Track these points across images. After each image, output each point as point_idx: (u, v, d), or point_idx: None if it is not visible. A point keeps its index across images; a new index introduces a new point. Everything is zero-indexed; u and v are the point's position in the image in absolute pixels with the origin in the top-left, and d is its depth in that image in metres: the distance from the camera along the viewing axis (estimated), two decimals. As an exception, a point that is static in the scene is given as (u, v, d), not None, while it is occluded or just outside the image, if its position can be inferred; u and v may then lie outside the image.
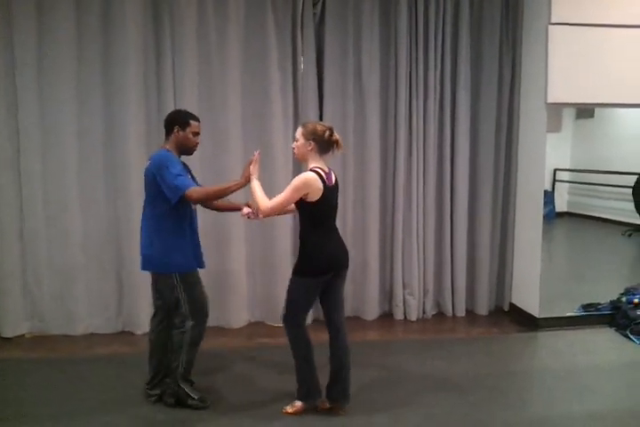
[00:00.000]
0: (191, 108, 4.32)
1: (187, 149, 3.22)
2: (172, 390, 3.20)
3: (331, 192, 3.02)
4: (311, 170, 2.98)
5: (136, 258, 4.35)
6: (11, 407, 3.22)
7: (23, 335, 4.42)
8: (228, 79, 4.45)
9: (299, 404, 3.16)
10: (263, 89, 4.51)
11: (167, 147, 3.18)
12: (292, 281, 3.08)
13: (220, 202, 3.37)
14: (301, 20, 4.51)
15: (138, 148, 4.35)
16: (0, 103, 4.22)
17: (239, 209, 3.35)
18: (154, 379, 3.28)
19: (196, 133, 3.21)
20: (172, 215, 3.10)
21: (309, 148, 3.00)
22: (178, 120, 3.19)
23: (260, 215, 3.08)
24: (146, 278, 4.42)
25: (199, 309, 3.20)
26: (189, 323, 3.15)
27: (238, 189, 3.09)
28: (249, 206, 3.29)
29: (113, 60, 4.31)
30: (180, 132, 3.17)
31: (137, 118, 4.35)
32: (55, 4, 4.21)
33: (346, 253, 3.19)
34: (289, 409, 3.15)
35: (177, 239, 3.12)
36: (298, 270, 3.05)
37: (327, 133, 3.01)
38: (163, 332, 3.26)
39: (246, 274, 4.65)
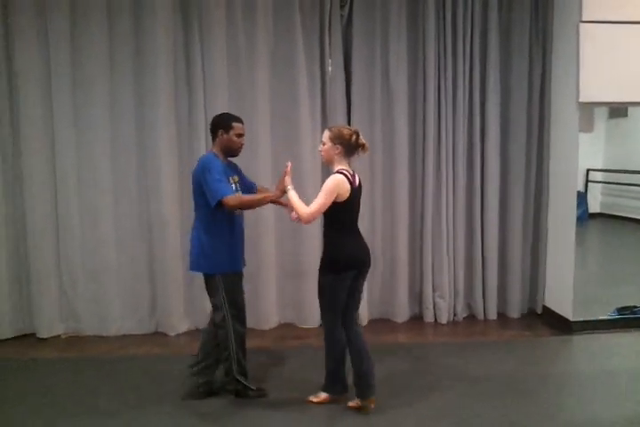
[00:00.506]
0: (220, 110, 4.38)
1: (232, 150, 3.32)
2: (231, 386, 3.33)
3: (356, 193, 3.12)
4: (338, 172, 3.07)
5: (169, 259, 4.48)
6: (47, 406, 3.29)
7: (58, 336, 4.52)
8: (257, 82, 4.49)
9: (324, 395, 3.28)
10: (291, 92, 4.54)
11: (214, 150, 3.31)
12: (319, 281, 3.16)
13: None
14: (329, 23, 4.52)
15: (169, 150, 4.43)
16: (36, 108, 4.33)
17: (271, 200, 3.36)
18: (199, 364, 3.38)
19: (240, 135, 3.31)
20: (212, 217, 3.21)
21: (336, 151, 3.09)
22: (221, 123, 3.28)
23: (303, 222, 3.13)
24: (179, 280, 4.53)
25: (237, 309, 3.29)
26: (230, 322, 3.24)
27: (272, 201, 3.25)
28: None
29: (144, 64, 4.39)
30: (224, 135, 3.27)
31: (168, 121, 4.42)
32: (88, 11, 4.32)
33: (368, 252, 3.27)
34: (313, 399, 3.28)
35: (216, 241, 3.22)
36: (323, 269, 3.14)
37: (354, 137, 3.10)
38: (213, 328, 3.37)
39: (276, 276, 4.68)
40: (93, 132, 4.42)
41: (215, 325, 3.30)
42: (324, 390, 3.29)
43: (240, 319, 3.31)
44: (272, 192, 3.25)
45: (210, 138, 4.24)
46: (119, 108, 4.44)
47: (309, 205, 3.02)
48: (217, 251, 3.22)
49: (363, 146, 3.13)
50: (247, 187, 3.47)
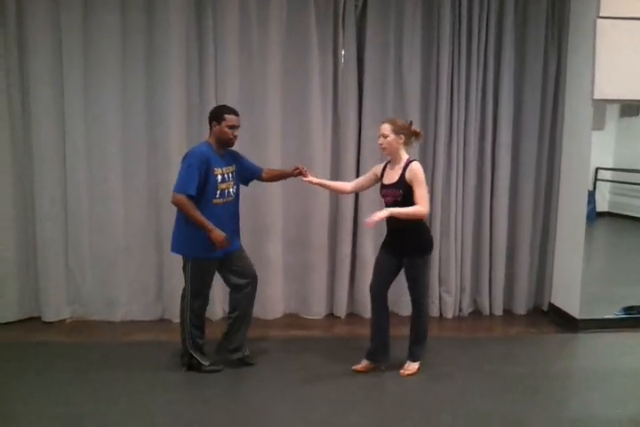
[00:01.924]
0: (232, 102, 4.37)
1: (225, 141, 3.43)
2: (185, 359, 3.53)
3: None
4: (411, 160, 3.33)
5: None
6: (50, 390, 3.31)
7: (64, 320, 4.54)
8: (269, 74, 4.47)
9: (365, 362, 3.57)
10: (303, 85, 4.51)
11: (209, 140, 3.44)
12: (419, 264, 3.42)
13: (270, 174, 3.75)
14: (343, 16, 4.49)
15: (179, 139, 4.42)
16: (47, 94, 4.33)
17: (289, 176, 3.74)
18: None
19: (232, 126, 3.40)
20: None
21: (400, 141, 3.35)
22: (214, 115, 3.45)
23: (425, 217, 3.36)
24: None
25: (200, 291, 3.50)
26: (188, 299, 3.47)
27: (206, 231, 3.29)
28: (299, 170, 3.66)
29: (156, 54, 4.37)
30: (217, 127, 3.41)
31: (179, 111, 4.41)
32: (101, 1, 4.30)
33: None
34: (358, 367, 3.55)
35: (191, 227, 3.34)
36: (423, 251, 3.42)
37: (412, 127, 3.40)
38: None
39: (282, 266, 4.68)
40: (104, 122, 4.42)
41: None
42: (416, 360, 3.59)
43: (201, 298, 3.49)
44: (208, 225, 3.28)
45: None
46: (130, 97, 4.43)
47: (419, 203, 3.23)
48: (191, 237, 3.36)
49: (418, 134, 3.42)
50: (250, 173, 3.67)
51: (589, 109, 4.37)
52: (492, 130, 4.71)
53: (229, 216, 3.50)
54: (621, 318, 4.59)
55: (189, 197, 3.27)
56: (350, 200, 4.60)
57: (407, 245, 3.40)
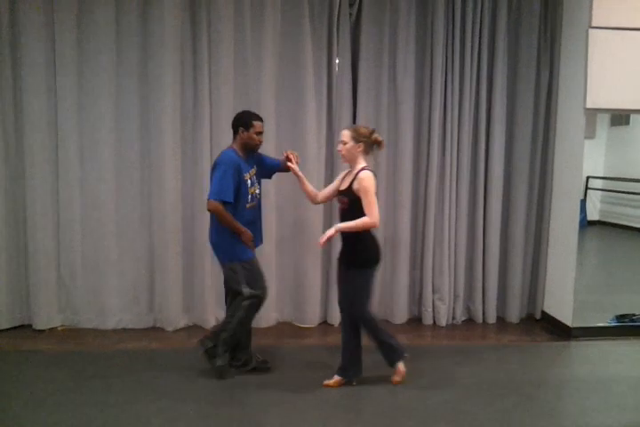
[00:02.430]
0: (225, 105, 4.41)
1: (251, 146, 3.52)
2: (209, 343, 3.54)
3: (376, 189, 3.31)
4: (364, 169, 3.26)
5: (169, 254, 4.47)
6: (41, 398, 3.26)
7: (55, 328, 4.50)
8: (264, 81, 4.48)
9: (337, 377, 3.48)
10: (298, 90, 4.53)
11: (234, 146, 3.50)
12: (355, 275, 3.31)
13: (284, 164, 3.69)
14: (337, 21, 4.51)
15: (173, 142, 4.42)
16: (40, 96, 4.31)
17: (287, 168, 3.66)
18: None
19: (260, 133, 3.50)
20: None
21: (359, 149, 3.29)
22: (241, 121, 3.48)
23: (376, 226, 3.27)
24: (178, 276, 4.51)
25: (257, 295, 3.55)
26: (248, 304, 3.50)
27: (239, 234, 3.42)
28: (288, 156, 3.62)
29: (150, 59, 4.38)
30: (245, 133, 3.47)
31: (172, 118, 4.40)
32: (95, 1, 4.29)
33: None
34: (330, 382, 3.47)
35: (232, 235, 3.43)
36: (361, 263, 3.31)
37: (373, 135, 3.33)
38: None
39: (276, 274, 4.66)
40: (98, 124, 4.40)
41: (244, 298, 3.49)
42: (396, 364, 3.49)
43: (257, 305, 3.54)
44: (245, 232, 3.42)
45: (214, 131, 4.32)
46: (124, 103, 4.43)
47: (367, 214, 3.17)
48: (236, 241, 3.44)
49: (380, 143, 3.35)
50: (271, 168, 3.75)
51: (582, 118, 4.40)
52: (484, 138, 4.74)
53: (257, 217, 3.63)
54: (614, 326, 4.61)
55: (225, 203, 3.33)
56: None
57: (348, 255, 3.37)
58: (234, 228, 3.39)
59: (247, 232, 3.42)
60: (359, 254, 3.31)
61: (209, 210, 3.39)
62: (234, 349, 3.61)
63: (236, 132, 3.50)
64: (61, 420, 3.02)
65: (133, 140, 4.45)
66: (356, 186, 3.22)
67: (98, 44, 4.33)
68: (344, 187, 3.34)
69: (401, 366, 3.47)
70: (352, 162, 3.33)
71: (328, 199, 3.65)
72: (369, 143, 3.31)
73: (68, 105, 4.36)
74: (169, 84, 4.35)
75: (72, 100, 4.36)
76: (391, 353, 3.46)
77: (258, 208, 3.65)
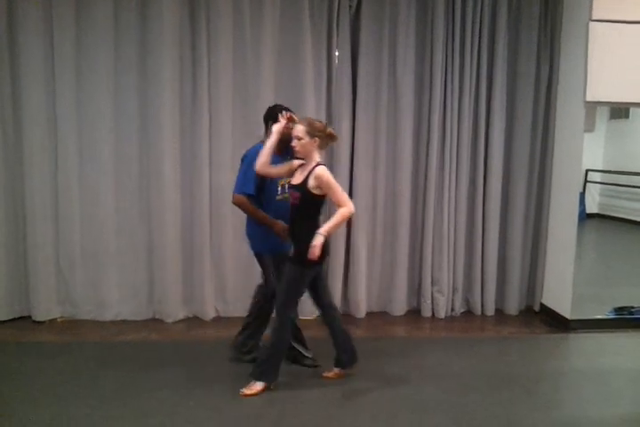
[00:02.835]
0: (225, 99, 4.40)
1: (281, 141, 3.34)
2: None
3: None
4: (320, 164, 3.18)
5: (168, 245, 4.48)
6: (40, 390, 3.27)
7: (55, 320, 4.50)
8: (262, 74, 4.46)
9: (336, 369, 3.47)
10: (297, 84, 4.51)
11: (264, 140, 3.41)
12: (289, 270, 3.21)
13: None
14: (337, 15, 4.49)
15: (172, 136, 4.41)
16: (39, 91, 4.29)
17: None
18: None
19: None
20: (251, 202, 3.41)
21: (314, 144, 3.18)
22: (271, 115, 3.47)
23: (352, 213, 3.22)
24: (178, 267, 4.52)
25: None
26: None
27: (270, 227, 3.37)
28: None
29: (148, 54, 4.35)
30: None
31: (171, 109, 4.38)
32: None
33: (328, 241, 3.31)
34: (329, 375, 3.45)
35: (253, 225, 3.48)
36: (297, 260, 3.18)
37: (328, 129, 3.24)
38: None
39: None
40: (96, 122, 4.39)
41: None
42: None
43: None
44: (277, 224, 3.35)
45: (213, 125, 4.31)
46: (123, 98, 4.41)
47: (341, 204, 3.12)
48: (267, 234, 3.41)
49: (334, 137, 3.28)
50: None
51: (581, 112, 4.40)
52: (484, 132, 4.73)
53: (286, 211, 3.48)
54: (612, 319, 4.63)
55: (249, 196, 3.34)
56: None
57: (293, 249, 3.23)
58: (261, 220, 3.38)
59: (278, 224, 3.35)
60: (299, 250, 3.17)
61: (234, 203, 3.39)
62: (249, 335, 3.69)
63: (267, 126, 3.47)
64: (62, 411, 3.03)
65: (132, 134, 4.44)
66: (312, 183, 3.12)
67: (96, 39, 4.31)
68: (298, 181, 3.21)
69: (259, 385, 3.26)
70: (307, 157, 3.21)
71: (269, 175, 3.33)
72: (324, 138, 3.21)
73: (66, 101, 4.33)
74: (167, 80, 4.34)
75: (70, 96, 4.33)
76: (265, 369, 3.28)
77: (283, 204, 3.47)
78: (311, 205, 3.18)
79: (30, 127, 4.30)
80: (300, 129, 3.17)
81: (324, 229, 3.11)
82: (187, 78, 4.43)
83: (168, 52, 4.31)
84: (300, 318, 4.63)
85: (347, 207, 3.13)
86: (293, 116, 3.36)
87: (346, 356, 3.46)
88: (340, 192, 3.16)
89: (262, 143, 3.38)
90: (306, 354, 3.66)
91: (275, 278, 3.45)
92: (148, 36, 4.34)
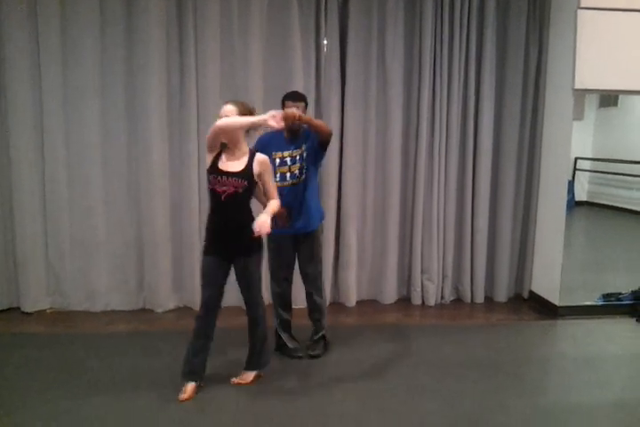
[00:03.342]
0: (212, 88, 4.38)
1: (290, 130, 3.38)
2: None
3: None
4: (254, 151, 3.08)
5: (157, 235, 4.44)
6: (30, 381, 3.27)
7: (44, 310, 4.49)
8: (251, 63, 4.42)
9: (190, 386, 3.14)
10: (285, 72, 4.48)
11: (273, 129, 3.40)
12: (254, 261, 3.12)
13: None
14: (325, 3, 4.46)
15: (160, 126, 4.39)
16: (25, 84, 4.26)
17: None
18: None
19: None
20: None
21: (246, 129, 3.01)
22: (283, 101, 3.44)
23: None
24: (167, 257, 4.50)
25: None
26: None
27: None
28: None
29: (136, 40, 4.31)
30: None
31: (159, 98, 4.35)
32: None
33: None
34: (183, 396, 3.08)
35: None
36: (258, 249, 3.13)
37: (255, 112, 3.05)
38: None
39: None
40: (83, 106, 4.35)
41: None
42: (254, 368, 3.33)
43: (273, 282, 3.68)
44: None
45: (200, 113, 4.30)
46: (110, 84, 4.37)
47: (271, 196, 3.08)
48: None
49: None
50: (316, 149, 3.51)
51: (570, 99, 4.40)
52: (473, 119, 4.73)
53: (294, 198, 3.47)
54: (600, 305, 4.67)
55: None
56: (333, 189, 4.60)
57: (243, 243, 3.04)
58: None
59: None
60: (255, 240, 3.04)
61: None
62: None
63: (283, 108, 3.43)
64: (52, 402, 3.02)
65: (120, 125, 4.41)
66: (259, 169, 3.01)
67: (82, 30, 4.26)
68: (239, 169, 2.99)
69: (251, 375, 3.28)
70: (237, 143, 3.00)
71: (225, 129, 2.96)
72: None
73: (53, 92, 4.29)
74: (155, 70, 4.30)
75: (57, 88, 4.29)
76: (266, 358, 3.33)
77: (299, 189, 3.47)
78: (250, 193, 3.05)
79: (17, 119, 4.25)
80: (230, 109, 2.97)
81: (268, 211, 2.97)
82: (174, 68, 4.39)
83: (155, 43, 4.28)
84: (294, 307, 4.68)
85: (276, 200, 3.08)
86: (295, 112, 3.13)
87: (257, 358, 3.31)
88: (273, 183, 3.12)
89: (271, 133, 3.37)
90: (290, 345, 3.69)
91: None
92: (135, 27, 4.29)
